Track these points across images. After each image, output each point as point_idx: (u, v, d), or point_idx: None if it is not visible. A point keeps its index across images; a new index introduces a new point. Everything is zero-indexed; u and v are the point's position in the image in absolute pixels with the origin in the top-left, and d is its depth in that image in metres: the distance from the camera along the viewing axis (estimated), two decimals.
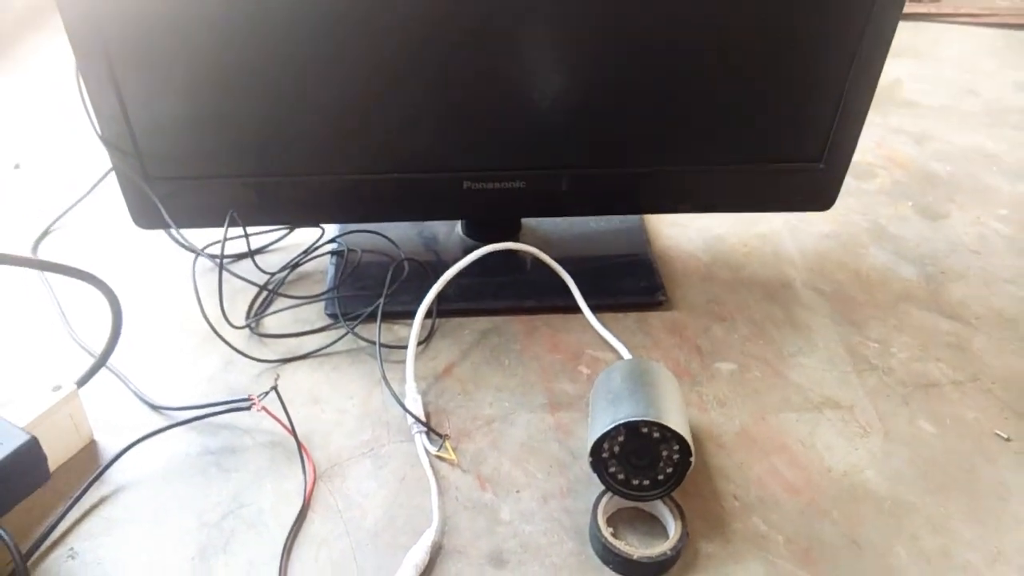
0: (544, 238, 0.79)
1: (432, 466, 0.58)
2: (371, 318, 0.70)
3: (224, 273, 0.68)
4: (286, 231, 0.80)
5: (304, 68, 0.61)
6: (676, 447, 0.51)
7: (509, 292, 0.74)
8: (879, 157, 0.98)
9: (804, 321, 0.73)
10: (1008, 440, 0.62)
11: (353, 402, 0.64)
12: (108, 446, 0.60)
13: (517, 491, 0.57)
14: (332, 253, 0.78)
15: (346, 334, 0.69)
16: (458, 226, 0.80)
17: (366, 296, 0.71)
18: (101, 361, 0.61)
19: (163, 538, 0.54)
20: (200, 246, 0.72)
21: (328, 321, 0.71)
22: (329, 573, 0.52)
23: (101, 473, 0.57)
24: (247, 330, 0.70)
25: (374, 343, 0.68)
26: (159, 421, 0.62)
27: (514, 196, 0.69)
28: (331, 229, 0.80)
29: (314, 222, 0.78)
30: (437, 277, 0.68)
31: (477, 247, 0.70)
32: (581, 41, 0.62)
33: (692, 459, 0.51)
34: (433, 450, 0.59)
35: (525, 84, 0.63)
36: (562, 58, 0.62)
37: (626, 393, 0.54)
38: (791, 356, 0.69)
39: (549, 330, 0.71)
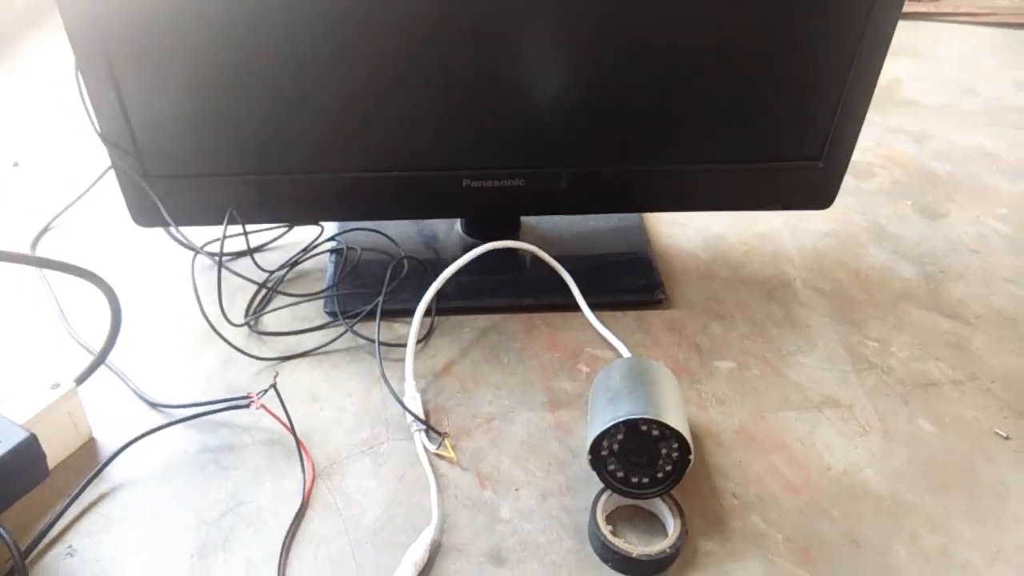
0: (543, 236, 0.79)
1: (431, 464, 0.58)
2: (370, 316, 0.69)
3: (223, 271, 0.68)
4: (285, 229, 0.80)
5: (304, 66, 0.61)
6: (675, 445, 0.51)
7: (508, 290, 0.74)
8: (878, 156, 0.98)
9: (803, 320, 0.73)
10: (1007, 439, 0.62)
11: (352, 400, 0.64)
12: (107, 444, 0.60)
13: (516, 489, 0.57)
14: (331, 251, 0.78)
15: (345, 332, 0.69)
16: (457, 224, 0.80)
17: (365, 294, 0.71)
18: (100, 359, 0.61)
19: (162, 536, 0.54)
20: (199, 244, 0.72)
21: (327, 319, 0.71)
22: (328, 571, 0.52)
23: (100, 471, 0.57)
24: (246, 328, 0.70)
25: (373, 341, 0.68)
26: (158, 419, 0.62)
27: (513, 194, 0.69)
28: (330, 227, 0.80)
29: (313, 220, 0.78)
30: (436, 275, 0.68)
31: (476, 245, 0.70)
32: (581, 40, 0.62)
33: (691, 457, 0.51)
34: (432, 448, 0.59)
35: (525, 83, 0.63)
36: (562, 57, 0.62)
37: (625, 391, 0.54)
38: (790, 355, 0.69)
39: (548, 328, 0.71)
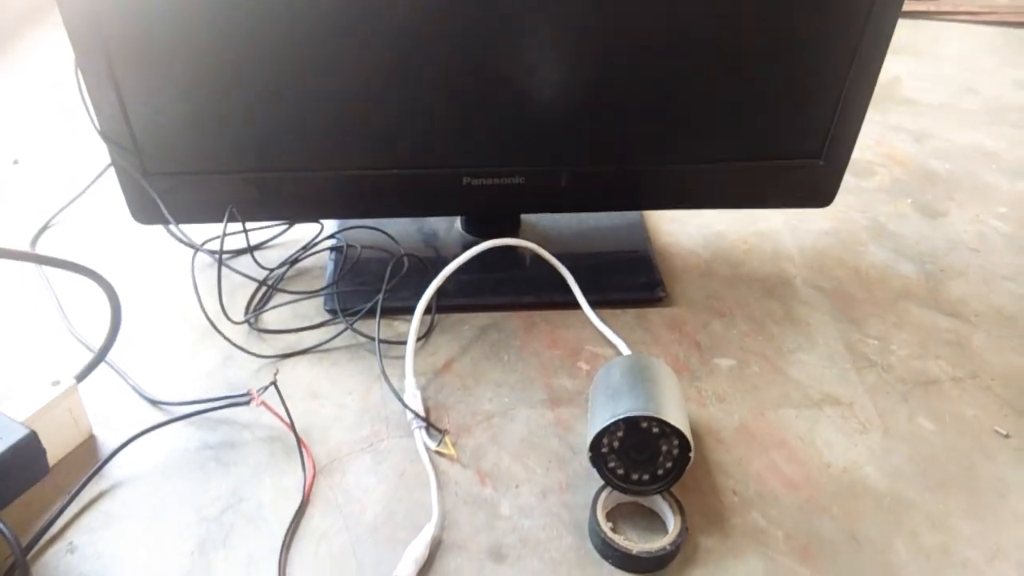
0: (543, 234, 0.79)
1: (431, 461, 0.58)
2: (370, 314, 0.69)
3: (223, 269, 0.68)
4: (285, 227, 0.80)
5: (304, 63, 0.61)
6: (675, 442, 0.51)
7: (508, 288, 0.74)
8: (878, 155, 0.98)
9: (803, 318, 0.73)
10: (1007, 437, 0.62)
11: (352, 397, 0.64)
12: (107, 441, 0.60)
13: (516, 486, 0.57)
14: (331, 249, 0.78)
15: (345, 330, 0.69)
16: (457, 222, 0.80)
17: (365, 292, 0.71)
18: (100, 356, 0.61)
19: (162, 532, 0.54)
20: (199, 241, 0.72)
21: (327, 317, 0.71)
22: (328, 567, 0.52)
23: (100, 467, 0.57)
24: (246, 325, 0.70)
25: (373, 339, 0.68)
26: (158, 416, 0.62)
27: (513, 192, 0.69)
28: (330, 225, 0.80)
29: (313, 218, 0.78)
30: (436, 273, 0.68)
31: (476, 243, 0.70)
32: (581, 38, 0.62)
33: (691, 454, 0.51)
34: (432, 445, 0.59)
35: (525, 81, 0.63)
36: (562, 55, 0.62)
37: (625, 388, 0.54)
38: (790, 352, 0.69)
39: (548, 326, 0.71)
